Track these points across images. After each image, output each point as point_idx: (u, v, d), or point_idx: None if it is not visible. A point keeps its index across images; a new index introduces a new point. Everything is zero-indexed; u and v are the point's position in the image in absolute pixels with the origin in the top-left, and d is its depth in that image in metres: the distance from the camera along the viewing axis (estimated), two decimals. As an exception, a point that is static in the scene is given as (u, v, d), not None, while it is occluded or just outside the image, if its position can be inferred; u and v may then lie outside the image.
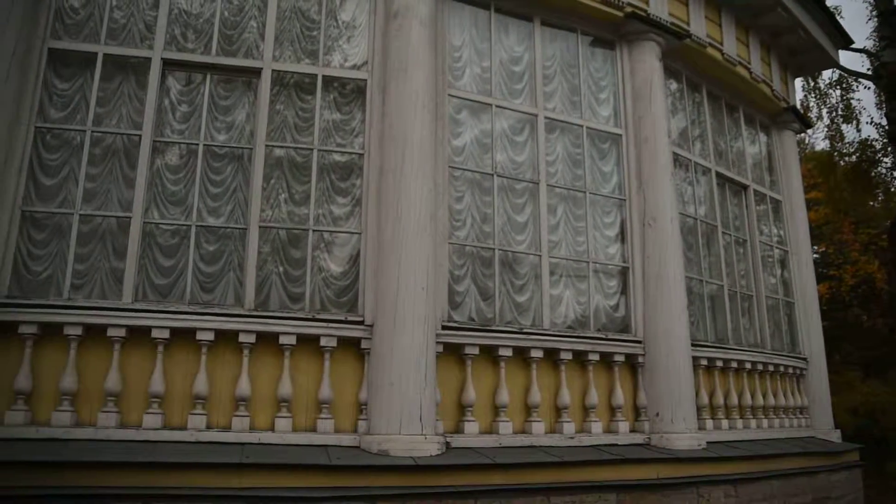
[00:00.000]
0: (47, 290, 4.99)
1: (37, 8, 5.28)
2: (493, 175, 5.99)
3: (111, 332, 4.82)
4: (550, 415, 5.77)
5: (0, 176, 4.89)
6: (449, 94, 5.90)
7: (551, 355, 5.80)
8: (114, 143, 5.32)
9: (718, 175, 7.85)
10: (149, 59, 5.41)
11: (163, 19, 5.49)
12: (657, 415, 6.06)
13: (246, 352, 4.93)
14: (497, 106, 6.15)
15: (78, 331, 4.79)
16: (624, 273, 6.46)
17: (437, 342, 5.21)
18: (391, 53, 5.57)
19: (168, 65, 5.46)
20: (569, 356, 5.83)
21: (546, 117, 6.32)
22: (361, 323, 5.14)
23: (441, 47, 5.89)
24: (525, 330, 5.70)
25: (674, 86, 7.63)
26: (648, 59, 6.80)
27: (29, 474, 4.22)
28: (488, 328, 5.56)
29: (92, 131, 5.25)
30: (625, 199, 6.56)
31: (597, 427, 5.84)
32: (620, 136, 6.69)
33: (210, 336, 4.88)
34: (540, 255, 6.00)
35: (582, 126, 6.52)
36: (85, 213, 5.11)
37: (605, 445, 5.74)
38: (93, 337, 4.84)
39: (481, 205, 5.93)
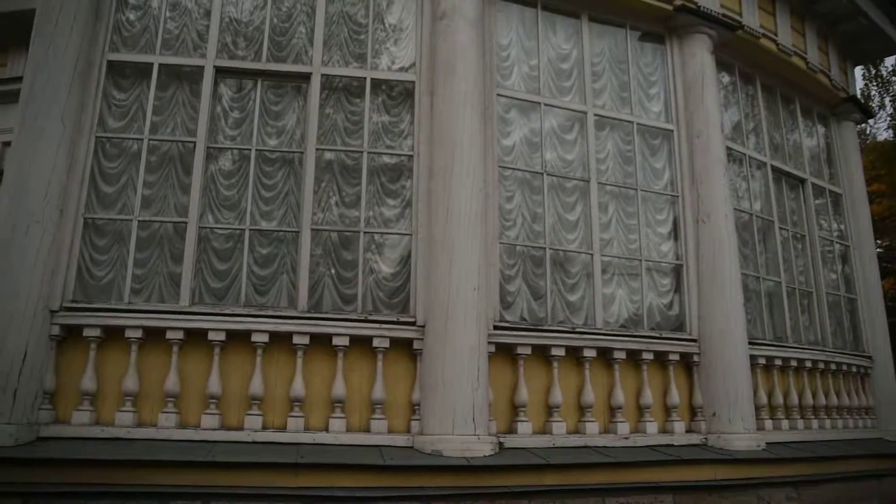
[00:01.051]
0: (109, 294, 5.14)
1: (97, 23, 5.44)
2: (542, 174, 5.95)
3: (170, 335, 4.94)
4: (604, 415, 5.70)
5: (64, 185, 5.05)
6: (497, 94, 5.88)
7: (604, 355, 5.73)
8: (169, 151, 5.45)
9: (774, 169, 7.64)
10: (202, 68, 5.53)
11: (214, 28, 5.61)
12: (714, 414, 5.93)
13: (300, 353, 5.00)
14: (546, 104, 6.10)
15: (138, 333, 4.93)
16: (677, 271, 6.35)
17: (489, 342, 5.20)
18: (439, 54, 5.58)
19: (220, 72, 5.57)
20: (622, 356, 5.75)
21: (595, 114, 6.25)
22: (413, 324, 5.16)
23: (488, 47, 5.87)
24: (577, 329, 5.65)
25: (726, 79, 7.46)
26: (699, 52, 6.67)
27: (95, 472, 4.36)
28: (540, 328, 5.53)
29: (149, 139, 5.39)
30: (677, 196, 6.45)
31: (652, 427, 5.75)
32: (672, 131, 6.57)
33: (265, 338, 4.96)
34: (591, 254, 5.93)
35: (632, 122, 6.43)
36: (143, 219, 5.25)
37: (661, 446, 5.64)
38: (152, 339, 4.97)
39: (531, 204, 5.90)
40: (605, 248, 6.07)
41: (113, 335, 4.97)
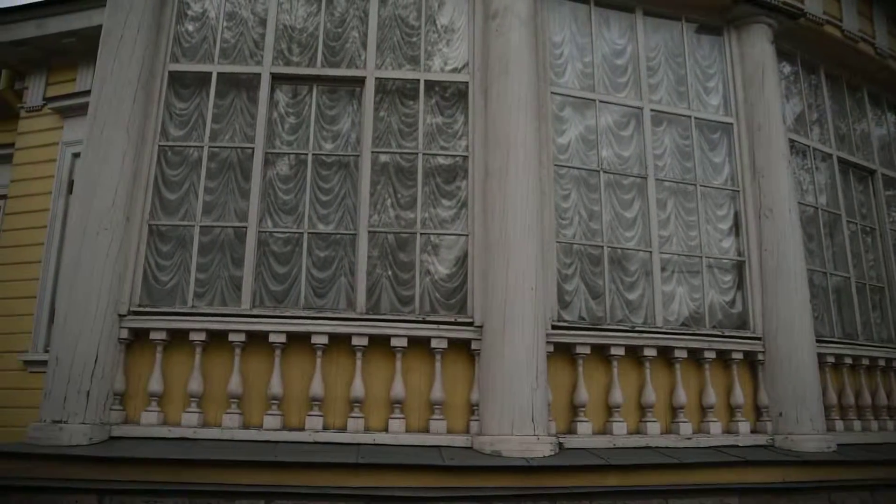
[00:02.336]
0: (173, 298, 5.28)
1: (158, 35, 5.60)
2: (599, 171, 5.87)
3: (232, 338, 5.05)
4: (666, 415, 5.59)
5: (130, 192, 5.22)
6: (551, 92, 5.84)
7: (665, 354, 5.62)
8: (229, 157, 5.58)
9: (840, 160, 7.38)
10: (258, 75, 5.64)
11: (270, 36, 5.72)
12: (780, 415, 5.75)
13: (359, 354, 5.05)
14: (601, 101, 6.02)
15: (202, 336, 5.06)
16: (739, 267, 6.19)
17: (548, 342, 5.16)
18: (492, 54, 5.57)
19: (276, 79, 5.67)
20: (683, 354, 5.63)
21: (652, 110, 6.14)
22: (471, 324, 5.16)
23: (541, 45, 5.83)
24: (637, 328, 5.56)
25: (787, 69, 7.23)
26: (759, 42, 6.48)
27: (164, 471, 4.48)
28: (599, 327, 5.46)
29: (209, 146, 5.53)
30: (738, 191, 6.28)
31: (715, 427, 5.61)
32: (731, 124, 6.41)
33: (324, 340, 5.03)
34: (650, 252, 5.83)
35: (690, 117, 6.29)
36: (205, 225, 5.38)
37: (725, 447, 5.50)
38: (215, 342, 5.10)
39: (588, 202, 5.83)
40: (664, 245, 5.95)
41: (178, 338, 5.11)
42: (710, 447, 5.45)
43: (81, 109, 7.10)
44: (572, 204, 5.80)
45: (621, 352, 5.44)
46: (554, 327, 5.29)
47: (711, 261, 6.11)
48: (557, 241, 5.58)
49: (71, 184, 7.29)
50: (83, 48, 7.45)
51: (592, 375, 5.43)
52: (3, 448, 4.69)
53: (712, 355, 5.72)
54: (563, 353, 5.35)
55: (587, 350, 5.36)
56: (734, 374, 5.80)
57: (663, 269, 5.88)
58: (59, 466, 4.51)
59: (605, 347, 5.43)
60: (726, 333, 5.85)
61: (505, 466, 4.66)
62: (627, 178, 6.00)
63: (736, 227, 6.25)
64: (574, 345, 5.34)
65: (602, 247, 5.73)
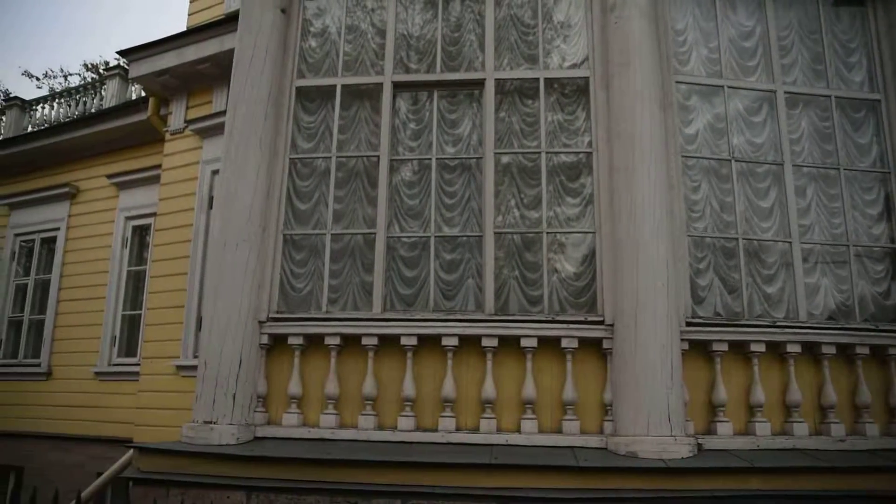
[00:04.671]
0: (308, 304, 5.51)
1: (284, 53, 5.89)
2: (730, 160, 5.61)
3: (365, 341, 5.21)
4: (814, 415, 5.24)
5: (265, 205, 5.49)
6: (676, 82, 5.64)
7: (810, 350, 5.27)
8: (355, 166, 5.76)
9: None
10: (380, 85, 5.80)
11: (389, 45, 5.86)
12: (948, 415, 5.27)
13: (489, 355, 5.07)
14: (729, 87, 5.75)
15: (336, 340, 5.25)
16: (893, 255, 5.73)
17: (682, 339, 4.98)
18: (611, 47, 5.46)
19: (397, 87, 5.81)
20: (832, 350, 5.25)
21: (786, 92, 5.79)
22: (601, 323, 5.06)
23: (663, 34, 5.65)
24: (778, 323, 5.26)
25: (941, 37, 6.64)
26: (909, 10, 5.97)
27: (305, 470, 4.67)
28: (737, 323, 5.21)
29: (336, 157, 5.73)
30: (889, 173, 5.81)
31: (872, 429, 5.19)
32: (879, 101, 5.93)
33: (454, 342, 5.10)
34: (790, 242, 5.50)
35: (829, 96, 5.88)
36: (335, 233, 5.58)
37: (884, 450, 5.09)
38: (349, 346, 5.28)
39: (719, 193, 5.58)
40: (805, 234, 5.60)
41: (314, 342, 5.34)
42: (866, 450, 5.06)
43: (218, 129, 7.57)
44: (703, 196, 5.57)
45: (762, 348, 5.16)
46: (688, 324, 5.11)
47: (860, 249, 5.68)
48: (688, 235, 5.38)
49: (211, 199, 7.75)
50: (217, 72, 7.95)
51: (731, 374, 5.18)
52: (162, 447, 5.06)
53: (865, 351, 5.30)
54: (698, 350, 5.15)
55: (724, 347, 5.13)
56: (892, 370, 5.36)
57: (805, 260, 5.53)
58: (210, 464, 4.80)
59: (744, 344, 5.17)
60: (881, 327, 5.41)
61: (641, 468, 4.53)
62: (762, 166, 5.69)
63: (888, 212, 5.79)
64: (710, 342, 5.12)
65: (736, 239, 5.47)
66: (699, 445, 4.85)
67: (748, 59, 5.91)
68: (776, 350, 5.23)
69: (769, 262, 5.53)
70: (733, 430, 5.05)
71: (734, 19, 5.98)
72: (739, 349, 5.19)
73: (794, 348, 5.19)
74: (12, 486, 10.66)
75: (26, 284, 11.52)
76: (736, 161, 5.62)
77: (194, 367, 6.31)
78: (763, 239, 5.54)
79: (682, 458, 4.63)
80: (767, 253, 5.54)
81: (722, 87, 5.75)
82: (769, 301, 5.45)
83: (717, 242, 5.49)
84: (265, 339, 5.34)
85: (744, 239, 5.48)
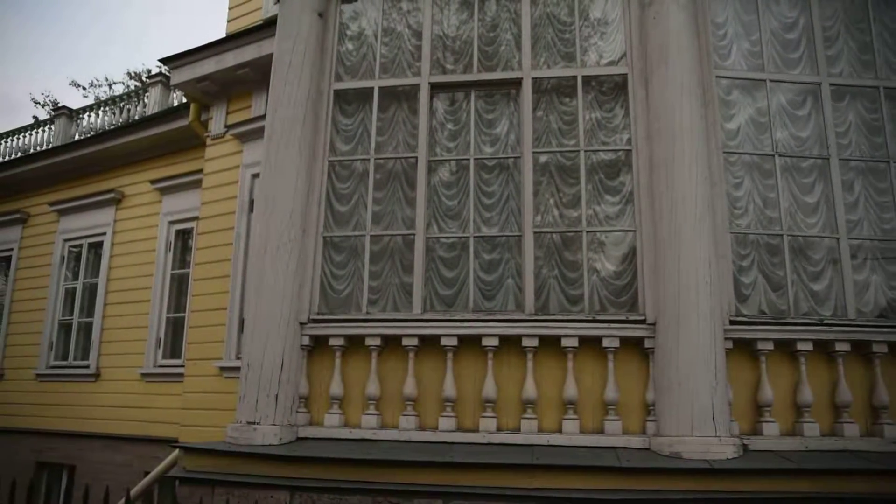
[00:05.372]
0: (349, 305, 5.55)
1: (322, 57, 5.94)
2: (773, 155, 5.49)
3: (405, 342, 5.23)
4: (865, 415, 5.10)
5: (305, 207, 5.54)
6: (716, 76, 5.54)
7: (860, 348, 5.13)
8: (393, 167, 5.79)
9: None
10: (417, 86, 5.82)
11: (426, 47, 5.88)
12: None
13: (529, 355, 5.05)
14: (771, 80, 5.63)
15: (377, 342, 5.28)
16: (948, 250, 5.54)
17: (726, 338, 4.90)
18: (650, 43, 5.40)
19: (434, 88, 5.82)
20: (883, 349, 5.10)
21: (832, 84, 5.64)
22: (643, 322, 5.01)
23: (702, 28, 5.56)
24: (826, 321, 5.13)
25: None
26: (960, -3, 5.79)
27: (347, 470, 4.71)
28: (782, 321, 5.10)
29: (374, 158, 5.77)
30: (941, 165, 5.64)
31: (927, 430, 5.06)
32: (929, 91, 5.76)
33: (494, 342, 5.09)
34: (837, 238, 5.37)
35: (878, 87, 5.71)
36: (375, 234, 5.61)
37: (942, 452, 4.94)
38: (390, 346, 5.31)
39: (763, 189, 5.47)
40: (853, 230, 5.45)
41: (354, 344, 5.38)
42: (920, 452, 4.92)
43: (258, 133, 7.68)
44: (745, 192, 5.47)
45: (809, 347, 5.04)
46: (732, 322, 5.02)
47: (911, 245, 5.52)
48: (731, 232, 5.29)
49: (252, 203, 7.86)
50: (256, 77, 8.06)
51: (777, 373, 5.08)
52: (207, 447, 5.15)
53: (919, 349, 5.16)
54: (742, 349, 5.05)
55: (770, 346, 5.03)
56: (947, 369, 5.20)
57: (853, 257, 5.39)
58: (254, 464, 4.87)
59: (791, 342, 5.05)
60: (934, 325, 5.25)
61: (685, 469, 4.48)
62: (806, 161, 5.56)
63: (942, 206, 5.61)
64: (755, 340, 5.03)
65: (781, 235, 5.36)
66: (745, 446, 4.76)
67: (791, 52, 5.78)
68: (824, 349, 5.11)
69: (815, 259, 5.40)
70: (780, 430, 4.95)
71: (776, 11, 5.86)
72: (785, 348, 5.08)
73: (842, 347, 5.06)
74: (66, 483, 10.96)
75: (75, 288, 11.82)
76: (780, 156, 5.50)
77: (237, 369, 6.41)
78: (809, 235, 5.41)
79: (728, 458, 4.55)
80: (813, 249, 5.42)
81: (764, 80, 5.63)
82: (816, 298, 5.33)
83: (761, 239, 5.38)
84: (306, 341, 5.39)
85: (788, 235, 5.36)
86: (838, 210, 5.39)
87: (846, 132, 5.64)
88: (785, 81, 5.67)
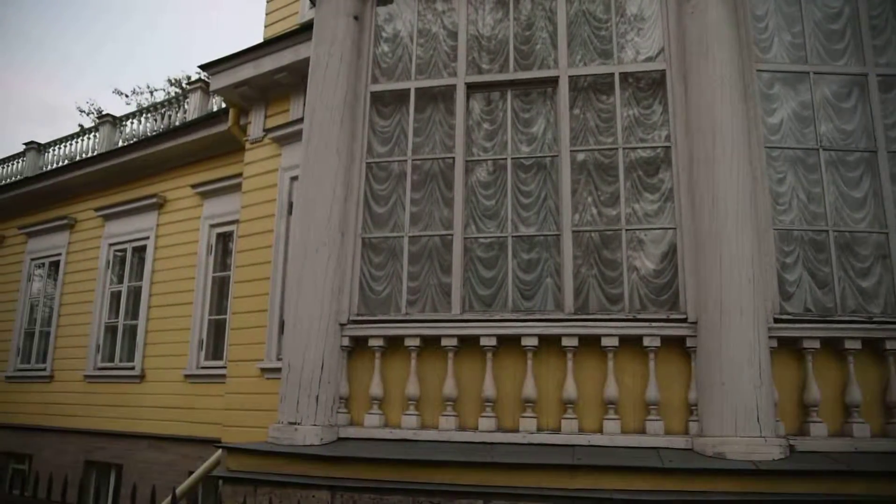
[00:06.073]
0: (388, 306, 5.58)
1: (358, 59, 5.98)
2: (818, 150, 5.37)
3: (444, 342, 5.24)
4: (919, 416, 4.98)
5: (343, 209, 5.58)
6: (757, 70, 5.44)
7: (912, 346, 5.01)
8: (431, 168, 5.80)
9: None
10: (453, 86, 5.83)
11: (462, 47, 5.88)
12: None
13: (569, 355, 5.02)
14: (815, 72, 5.50)
15: (416, 342, 5.30)
16: None
17: (770, 336, 4.80)
18: (688, 38, 5.32)
19: (471, 88, 5.82)
20: (938, 347, 4.97)
21: (878, 75, 5.48)
22: (684, 321, 4.94)
23: (742, 21, 5.46)
24: (875, 319, 4.99)
25: None
26: None
27: (387, 470, 4.72)
28: (829, 319, 4.97)
29: (412, 160, 5.78)
30: None
31: None
32: (982, 80, 5.57)
33: (534, 342, 5.07)
34: (886, 233, 5.22)
35: (927, 76, 5.56)
36: (413, 235, 5.63)
37: None
38: (429, 347, 5.32)
39: (807, 183, 5.35)
40: (904, 225, 5.30)
41: (394, 344, 5.40)
42: (979, 453, 4.76)
43: (296, 137, 7.76)
44: (788, 187, 5.35)
45: (858, 345, 4.92)
46: (776, 321, 4.91)
47: (964, 239, 5.34)
48: (774, 229, 5.18)
49: (290, 205, 7.94)
50: (293, 81, 8.15)
51: (824, 372, 4.96)
52: (249, 447, 5.22)
53: (977, 346, 4.99)
54: (787, 348, 4.95)
55: (816, 344, 4.92)
56: None
57: (904, 252, 5.25)
58: (295, 464, 4.92)
59: (838, 341, 4.94)
60: None
61: (729, 470, 4.39)
62: (852, 154, 5.42)
63: None
64: (801, 339, 4.92)
65: (826, 231, 5.23)
66: (791, 447, 4.67)
67: (836, 43, 5.64)
68: (873, 347, 4.97)
69: (863, 255, 5.27)
70: (828, 431, 4.83)
71: (819, 1, 5.73)
72: (832, 346, 4.97)
73: (893, 345, 4.92)
74: (114, 482, 11.21)
75: (120, 291, 12.08)
76: (824, 150, 5.37)
77: (278, 370, 6.48)
78: (856, 230, 5.28)
79: (774, 459, 4.46)
80: (861, 245, 5.28)
81: (807, 73, 5.51)
82: (864, 296, 5.19)
83: (806, 235, 5.27)
84: (346, 342, 5.43)
85: (834, 231, 5.24)
86: (887, 204, 5.25)
87: (895, 124, 5.49)
88: (829, 73, 5.54)
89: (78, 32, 66.85)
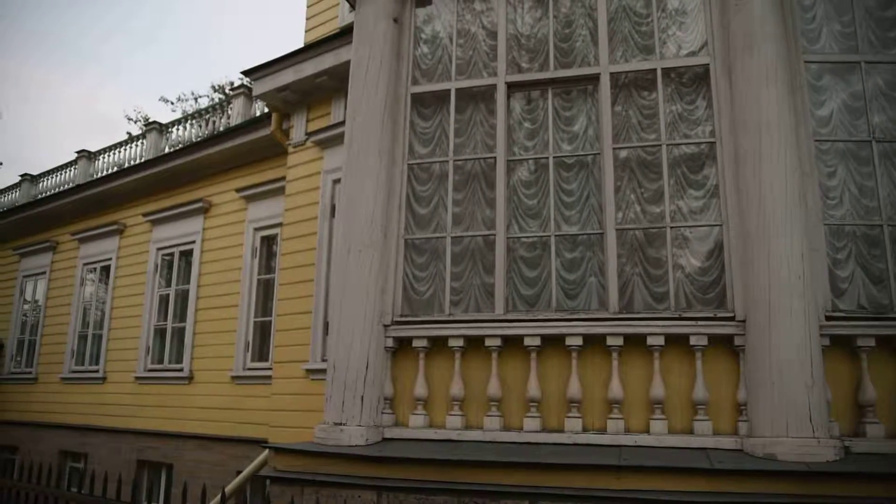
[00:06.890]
0: (431, 307, 5.59)
1: (398, 61, 6.01)
2: (870, 142, 5.21)
3: (488, 343, 5.23)
4: (983, 415, 4.80)
5: (385, 211, 5.62)
6: (805, 62, 5.31)
7: (975, 344, 4.83)
8: (472, 168, 5.79)
9: None
10: (493, 86, 5.81)
11: (501, 47, 5.86)
12: None
13: (614, 355, 4.96)
14: (866, 62, 5.34)
15: (460, 342, 5.30)
16: None
17: (822, 335, 4.68)
18: (732, 30, 5.22)
19: (511, 87, 5.80)
20: None
21: (933, 63, 5.33)
22: (732, 319, 4.84)
23: (789, 11, 5.33)
24: (933, 316, 4.84)
25: None
26: None
27: (432, 470, 4.73)
28: (885, 316, 4.83)
29: (453, 160, 5.79)
30: None
31: None
32: None
33: (578, 341, 5.03)
34: (945, 227, 5.06)
35: None
36: (455, 235, 5.63)
37: None
38: (472, 347, 5.31)
39: (858, 177, 5.20)
40: (964, 217, 5.12)
41: (437, 345, 5.41)
42: None
43: (338, 139, 7.83)
44: (839, 181, 5.21)
45: (915, 343, 4.78)
46: (828, 318, 4.79)
47: None
48: (825, 224, 5.05)
49: (333, 208, 8.02)
50: (334, 84, 8.23)
51: (880, 371, 4.80)
52: (296, 447, 5.28)
53: None
54: (840, 346, 4.82)
55: (871, 342, 4.77)
56: None
57: (964, 246, 5.06)
58: (341, 464, 4.96)
59: (894, 339, 4.80)
60: None
61: (781, 471, 4.29)
62: (908, 146, 5.26)
63: None
64: (854, 337, 4.78)
65: (881, 226, 5.07)
66: (846, 448, 4.54)
67: (888, 30, 5.46)
68: (932, 344, 4.83)
69: (920, 250, 5.10)
70: (885, 432, 4.68)
71: (870, -11, 5.57)
72: (889, 344, 4.82)
73: (953, 343, 4.77)
74: (164, 481, 11.46)
75: (168, 295, 12.34)
76: (877, 142, 5.22)
77: (323, 371, 6.55)
78: (912, 224, 5.12)
79: (827, 461, 4.35)
80: (917, 239, 5.12)
81: (858, 63, 5.35)
82: (921, 292, 5.03)
83: (858, 230, 5.12)
84: (390, 342, 5.46)
85: (889, 225, 5.07)
86: (946, 197, 5.08)
87: (951, 114, 5.30)
88: (881, 62, 5.36)
89: (128, 44, 68.63)
